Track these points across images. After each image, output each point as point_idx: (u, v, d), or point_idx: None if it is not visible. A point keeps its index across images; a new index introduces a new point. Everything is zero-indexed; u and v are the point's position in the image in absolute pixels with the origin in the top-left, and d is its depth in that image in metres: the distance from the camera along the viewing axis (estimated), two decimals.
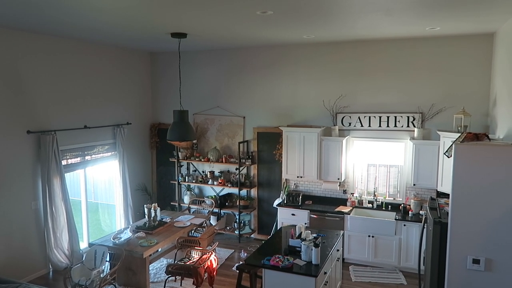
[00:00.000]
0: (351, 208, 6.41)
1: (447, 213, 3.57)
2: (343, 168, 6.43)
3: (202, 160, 7.42)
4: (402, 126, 6.23)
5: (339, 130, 6.54)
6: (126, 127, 7.30)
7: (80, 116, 6.41)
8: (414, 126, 6.12)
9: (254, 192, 7.37)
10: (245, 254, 6.61)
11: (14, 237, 5.46)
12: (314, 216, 6.36)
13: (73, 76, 6.26)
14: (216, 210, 7.34)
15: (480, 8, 4.07)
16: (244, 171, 7.36)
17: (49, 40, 5.81)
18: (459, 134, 3.99)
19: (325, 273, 4.36)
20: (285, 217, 6.58)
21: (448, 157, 3.54)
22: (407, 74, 6.15)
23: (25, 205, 5.58)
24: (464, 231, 3.17)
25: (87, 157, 6.58)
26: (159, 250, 6.00)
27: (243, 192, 7.37)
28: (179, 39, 5.85)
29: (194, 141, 7.50)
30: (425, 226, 4.45)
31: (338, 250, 5.06)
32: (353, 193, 6.64)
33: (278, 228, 6.47)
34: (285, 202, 6.72)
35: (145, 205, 5.92)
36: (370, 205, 6.42)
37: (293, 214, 6.51)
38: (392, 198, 6.44)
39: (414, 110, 6.16)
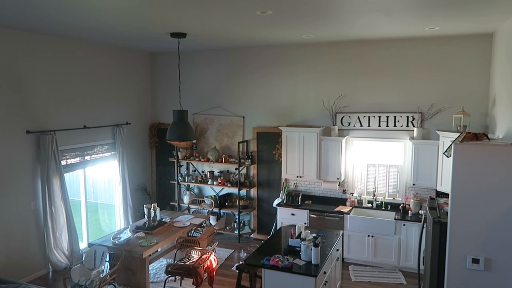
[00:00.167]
0: (351, 208, 6.41)
1: (447, 212, 3.57)
2: (343, 168, 6.43)
3: (202, 160, 7.42)
4: (402, 126, 6.24)
5: (338, 130, 6.55)
6: (126, 127, 7.30)
7: (80, 116, 6.40)
8: (414, 126, 6.13)
9: (253, 192, 7.37)
10: (245, 254, 6.61)
11: (14, 237, 5.45)
12: (314, 216, 6.37)
13: (73, 76, 6.25)
14: (215, 210, 7.34)
15: (479, 8, 4.07)
16: (244, 171, 7.37)
17: (48, 40, 5.80)
18: (459, 134, 3.99)
19: (325, 273, 4.36)
20: (284, 217, 6.58)
21: (448, 157, 3.54)
22: (407, 74, 6.16)
23: (24, 205, 5.58)
24: (464, 231, 3.18)
25: (87, 157, 6.58)
26: (158, 250, 6.00)
27: (243, 192, 7.37)
28: (179, 39, 5.85)
29: (193, 141, 7.50)
30: (425, 226, 4.45)
31: (337, 250, 5.06)
32: (352, 193, 6.64)
33: (277, 228, 6.48)
34: (284, 202, 6.72)
35: (144, 205, 5.92)
36: (369, 205, 6.42)
37: (292, 214, 6.51)
38: (392, 198, 6.45)
39: (413, 110, 6.17)
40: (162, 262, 6.24)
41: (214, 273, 5.35)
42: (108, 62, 6.94)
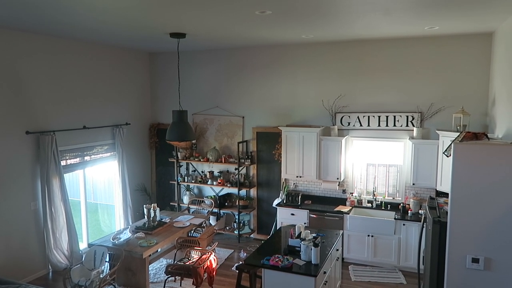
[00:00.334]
0: (351, 207, 6.41)
1: (446, 212, 3.58)
2: (342, 167, 6.43)
3: (202, 160, 7.42)
4: (401, 126, 6.24)
5: (338, 129, 6.55)
6: (125, 127, 7.30)
7: (79, 117, 6.40)
8: (413, 126, 6.12)
9: (253, 192, 7.37)
10: (245, 254, 6.61)
11: (14, 238, 5.45)
12: (314, 215, 6.37)
13: (72, 76, 6.25)
14: (215, 210, 7.34)
15: (478, 8, 4.07)
16: (244, 171, 7.37)
17: (48, 40, 5.80)
18: (458, 134, 3.99)
19: (325, 272, 4.36)
20: (284, 217, 6.58)
21: (447, 157, 3.54)
22: (406, 73, 6.15)
23: (24, 206, 5.58)
24: (464, 230, 3.17)
25: (86, 158, 6.58)
26: (158, 251, 6.00)
27: (243, 192, 7.37)
28: (178, 39, 5.85)
29: (193, 141, 7.50)
30: (425, 226, 4.45)
31: (337, 250, 5.06)
32: (352, 193, 6.64)
33: (277, 228, 6.48)
34: (284, 202, 6.72)
35: (144, 206, 5.92)
36: (369, 205, 6.42)
37: (292, 214, 6.51)
38: (392, 198, 6.45)
39: (413, 110, 6.17)
40: (162, 263, 6.24)
41: (214, 273, 5.35)
42: (108, 62, 6.94)
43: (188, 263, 5.26)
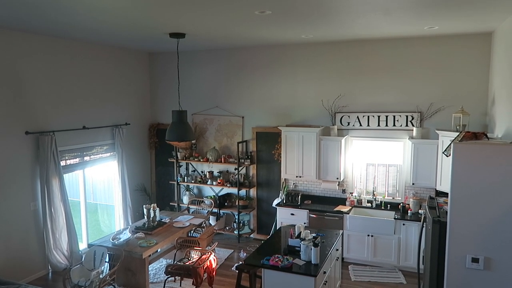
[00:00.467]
0: (350, 207, 6.41)
1: (446, 212, 3.58)
2: (342, 167, 6.43)
3: (201, 160, 7.42)
4: (401, 126, 6.24)
5: (338, 129, 6.55)
6: (125, 127, 7.29)
7: (79, 117, 6.40)
8: (413, 126, 6.13)
9: (253, 192, 7.37)
10: (245, 254, 6.61)
11: (13, 238, 5.45)
12: (313, 215, 6.37)
13: (72, 76, 6.25)
14: (215, 210, 7.34)
15: (478, 7, 4.07)
16: (243, 171, 7.36)
17: (47, 40, 5.80)
18: (458, 133, 3.99)
19: (325, 272, 4.36)
20: (284, 217, 6.58)
21: (447, 156, 3.55)
22: (406, 73, 6.16)
23: (24, 206, 5.57)
24: (463, 230, 3.18)
25: (86, 158, 6.57)
26: (158, 251, 5.99)
27: (242, 192, 7.36)
28: (178, 39, 5.85)
29: (193, 141, 7.50)
30: (424, 225, 4.45)
31: (337, 250, 5.06)
32: (352, 193, 6.64)
33: (277, 228, 6.48)
34: (284, 202, 6.72)
35: (144, 206, 5.92)
36: (369, 205, 6.42)
37: (292, 214, 6.51)
38: (391, 198, 6.45)
39: (412, 110, 6.17)
40: (162, 263, 6.24)
41: (214, 273, 5.35)
42: (107, 62, 6.93)
43: (188, 263, 5.26)
